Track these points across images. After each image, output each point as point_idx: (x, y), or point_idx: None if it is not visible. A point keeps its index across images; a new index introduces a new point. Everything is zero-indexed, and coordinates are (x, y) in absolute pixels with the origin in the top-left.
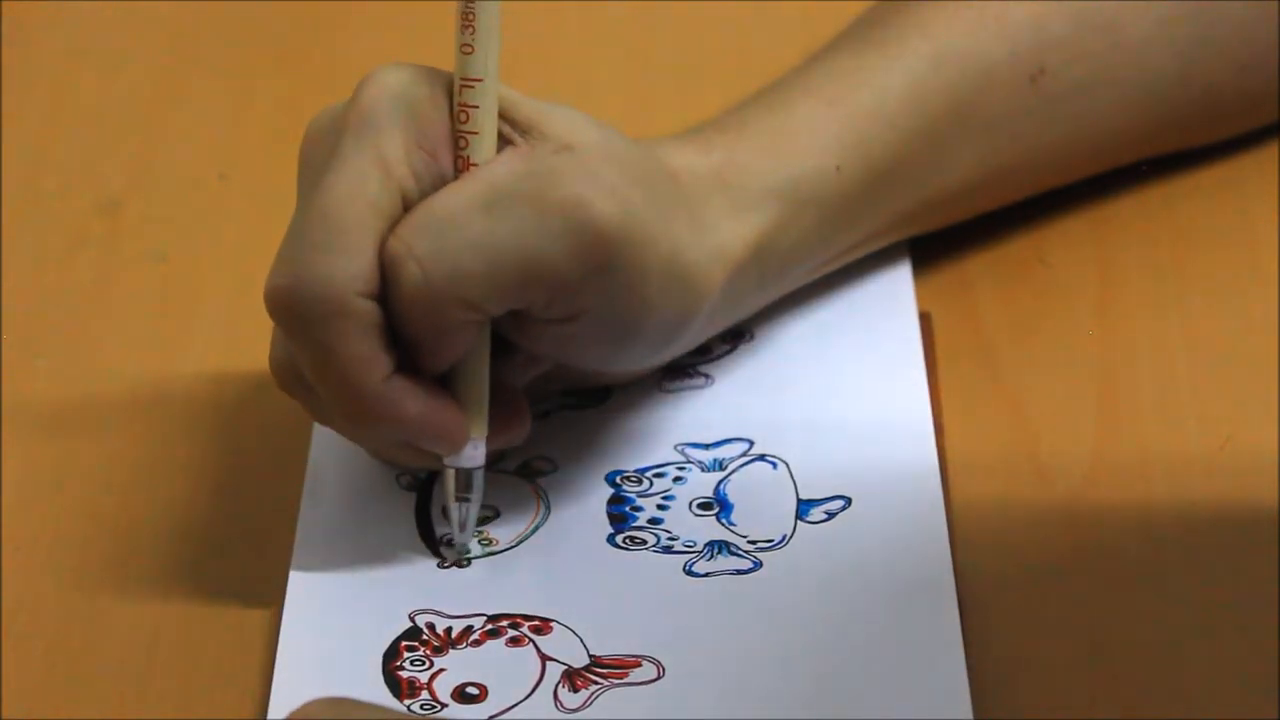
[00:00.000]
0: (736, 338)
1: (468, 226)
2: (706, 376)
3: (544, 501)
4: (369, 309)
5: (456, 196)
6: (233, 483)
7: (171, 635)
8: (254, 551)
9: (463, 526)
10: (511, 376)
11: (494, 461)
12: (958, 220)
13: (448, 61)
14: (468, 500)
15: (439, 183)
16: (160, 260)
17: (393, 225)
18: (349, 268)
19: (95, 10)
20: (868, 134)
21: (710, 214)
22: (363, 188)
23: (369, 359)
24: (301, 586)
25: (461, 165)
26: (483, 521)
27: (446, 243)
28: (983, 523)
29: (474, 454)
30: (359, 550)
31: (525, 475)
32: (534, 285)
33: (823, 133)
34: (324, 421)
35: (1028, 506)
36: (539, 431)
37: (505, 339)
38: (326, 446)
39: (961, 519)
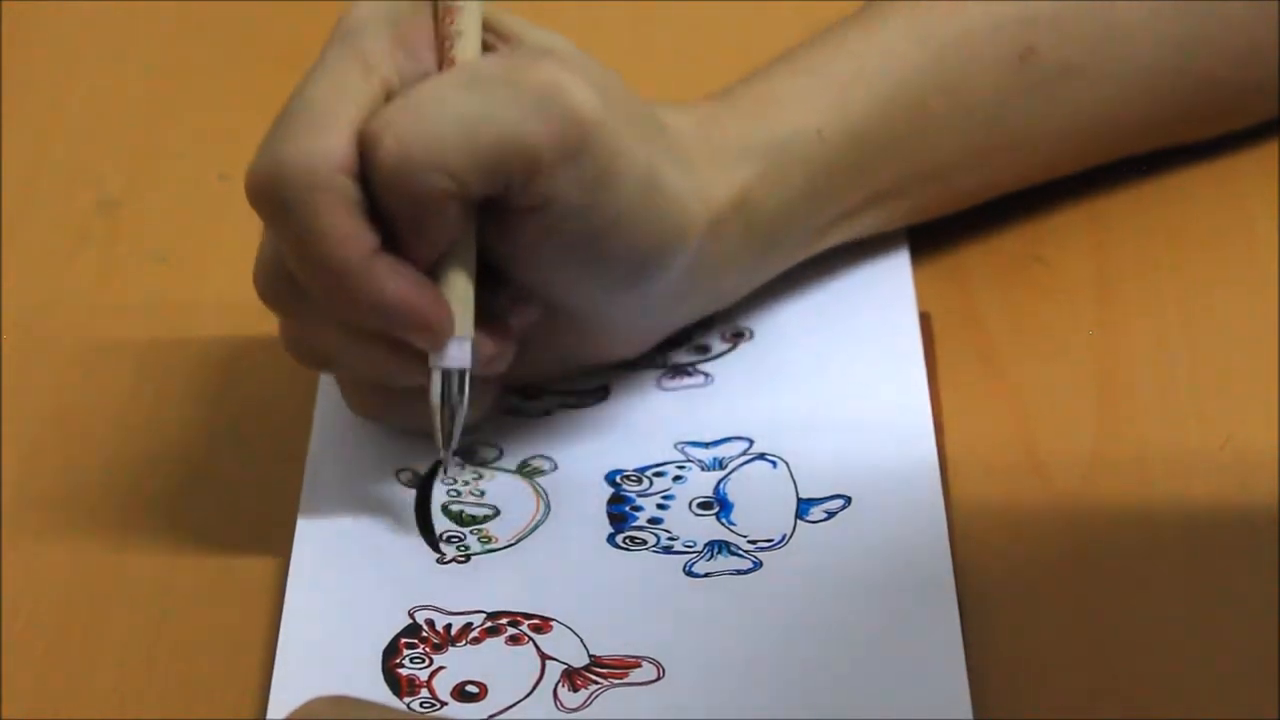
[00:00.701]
0: (737, 336)
1: (446, 102)
2: (706, 375)
3: (544, 500)
4: (347, 184)
5: (437, 80)
6: (232, 482)
7: (171, 634)
8: (254, 550)
9: (448, 435)
10: (502, 314)
11: (493, 460)
12: (953, 207)
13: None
14: (451, 403)
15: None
16: (160, 260)
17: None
18: (325, 145)
19: (95, 10)
20: (848, 102)
21: (694, 159)
22: (343, 80)
23: (350, 234)
24: (301, 584)
25: (446, 64)
26: (482, 520)
27: (424, 116)
28: (983, 522)
29: (460, 354)
30: (359, 547)
31: (525, 474)
32: (509, 158)
33: (804, 97)
34: (301, 354)
35: (1027, 506)
36: (539, 430)
37: (493, 268)
38: (326, 444)
39: (961, 518)
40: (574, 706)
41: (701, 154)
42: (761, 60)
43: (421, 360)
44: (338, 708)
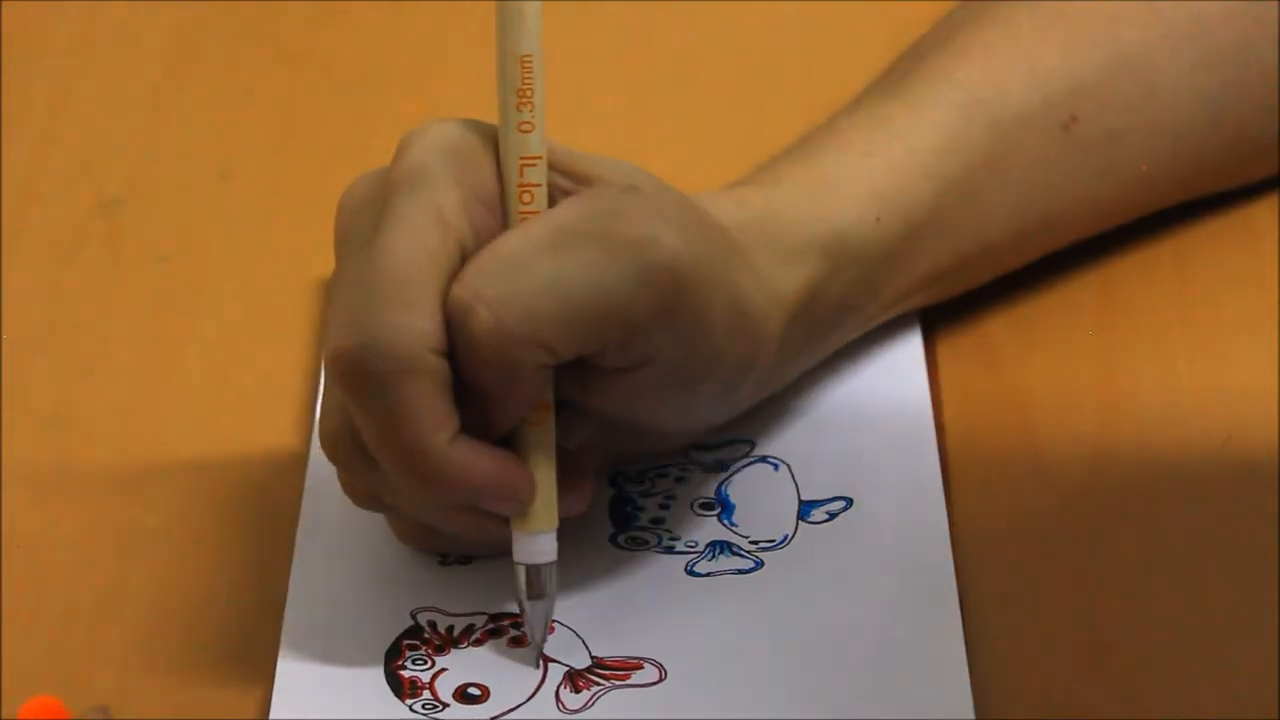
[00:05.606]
0: None
1: (537, 267)
2: None
3: None
4: (441, 366)
5: (523, 239)
6: (233, 480)
7: (173, 634)
8: (254, 548)
9: (535, 628)
10: (560, 437)
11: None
12: (1000, 274)
13: (447, 59)
14: (541, 599)
15: (495, 235)
16: (161, 260)
17: (453, 279)
18: (419, 323)
19: (95, 10)
20: (904, 185)
21: (761, 263)
22: (423, 242)
23: (439, 419)
24: (302, 584)
25: (521, 215)
26: None
27: (517, 285)
28: (984, 522)
29: (545, 547)
30: (360, 547)
31: None
32: (608, 325)
33: (860, 184)
34: (370, 503)
35: (1029, 506)
36: None
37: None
38: None
39: (962, 518)
40: (576, 708)
41: (766, 255)
42: (761, 61)
43: (498, 519)
44: None
